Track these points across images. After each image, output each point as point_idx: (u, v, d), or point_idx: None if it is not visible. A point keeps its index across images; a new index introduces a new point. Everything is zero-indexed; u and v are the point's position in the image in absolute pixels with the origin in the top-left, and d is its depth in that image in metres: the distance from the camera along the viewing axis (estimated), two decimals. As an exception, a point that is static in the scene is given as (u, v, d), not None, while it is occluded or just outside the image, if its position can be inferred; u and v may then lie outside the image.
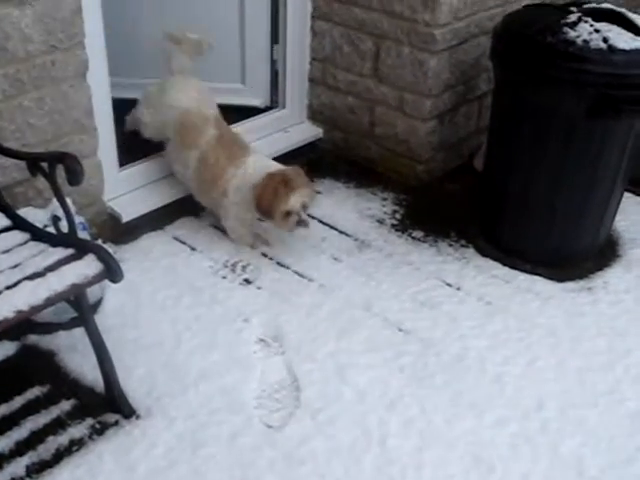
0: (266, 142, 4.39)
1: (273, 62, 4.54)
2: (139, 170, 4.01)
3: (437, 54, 4.02)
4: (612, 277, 3.91)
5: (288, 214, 3.64)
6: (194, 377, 3.22)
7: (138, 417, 3.03)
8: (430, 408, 3.15)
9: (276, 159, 4.24)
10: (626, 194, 4.16)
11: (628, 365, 3.40)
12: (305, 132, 4.49)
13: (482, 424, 3.10)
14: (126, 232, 3.92)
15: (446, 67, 4.10)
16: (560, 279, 3.85)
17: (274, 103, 4.60)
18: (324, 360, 3.33)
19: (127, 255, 3.83)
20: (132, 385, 3.14)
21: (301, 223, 3.69)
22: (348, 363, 3.33)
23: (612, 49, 3.44)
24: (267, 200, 3.62)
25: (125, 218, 3.85)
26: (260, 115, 4.51)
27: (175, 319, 3.50)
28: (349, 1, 4.19)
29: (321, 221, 4.21)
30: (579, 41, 3.46)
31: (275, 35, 4.46)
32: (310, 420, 3.06)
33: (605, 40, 3.45)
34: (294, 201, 3.60)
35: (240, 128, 4.29)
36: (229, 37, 4.46)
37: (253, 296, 3.67)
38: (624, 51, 3.44)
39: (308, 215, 3.74)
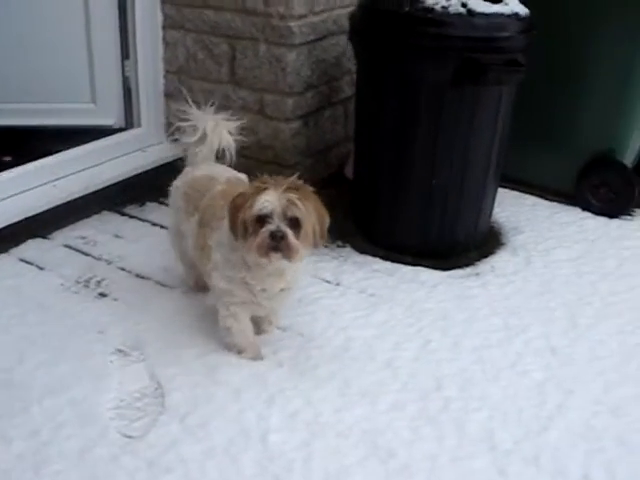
0: (121, 162, 3.86)
1: (125, 79, 4.03)
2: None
3: (295, 48, 3.61)
4: (499, 262, 3.52)
5: (260, 224, 2.45)
6: (38, 393, 2.60)
7: (-31, 445, 2.37)
8: (316, 399, 2.62)
9: (132, 179, 3.77)
10: (502, 190, 3.83)
11: (527, 339, 2.99)
12: (165, 151, 3.97)
13: (376, 410, 2.59)
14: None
15: (306, 64, 3.70)
16: (445, 268, 3.41)
17: (129, 123, 4.07)
18: (191, 363, 2.77)
19: (-38, 280, 3.18)
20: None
21: (277, 239, 2.43)
22: (219, 363, 2.77)
23: (472, 13, 3.12)
24: (233, 210, 2.51)
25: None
26: (114, 135, 3.97)
27: (18, 338, 2.87)
28: (200, 4, 3.77)
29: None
30: (438, 7, 3.13)
31: (125, 50, 3.97)
32: (178, 424, 2.49)
33: (464, 5, 3.13)
34: (265, 199, 2.42)
35: (91, 147, 3.75)
36: (75, 54, 3.94)
37: (109, 308, 3.08)
38: (484, 14, 3.14)
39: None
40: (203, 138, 2.98)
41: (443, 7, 3.12)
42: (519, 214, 3.93)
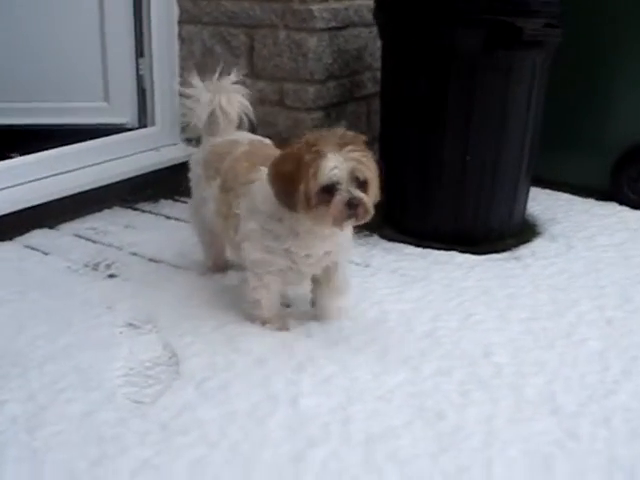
0: (133, 160, 3.57)
1: (139, 77, 3.77)
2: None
3: (317, 33, 3.36)
4: (539, 247, 3.19)
5: (328, 193, 2.11)
6: (37, 361, 2.25)
7: (-46, 407, 2.01)
8: (352, 366, 2.26)
9: (144, 177, 3.47)
10: (534, 189, 3.52)
11: (579, 312, 2.63)
12: (179, 151, 3.68)
13: (420, 375, 2.23)
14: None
15: (327, 51, 3.44)
16: (481, 253, 3.05)
17: (143, 122, 3.79)
18: (209, 333, 2.42)
19: (-38, 263, 2.85)
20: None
21: (353, 207, 2.11)
22: (240, 332, 2.42)
23: (505, -24, 2.85)
24: (286, 179, 2.12)
25: (-38, 223, 2.88)
26: (127, 133, 3.68)
27: (18, 311, 2.54)
28: (218, -6, 3.55)
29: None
30: (469, -30, 2.87)
31: (140, 48, 3.72)
32: (194, 389, 2.14)
33: (497, -32, 2.87)
34: (332, 166, 2.06)
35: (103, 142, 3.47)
36: (89, 52, 3.70)
37: (119, 287, 2.75)
38: (519, -24, 2.87)
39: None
40: (211, 107, 2.64)
41: (475, -30, 2.87)
42: (555, 207, 3.61)
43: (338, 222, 2.13)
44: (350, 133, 2.19)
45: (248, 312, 2.45)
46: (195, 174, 2.69)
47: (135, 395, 2.10)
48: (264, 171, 2.24)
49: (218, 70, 2.66)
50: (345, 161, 2.07)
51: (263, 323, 2.43)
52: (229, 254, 2.74)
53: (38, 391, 2.08)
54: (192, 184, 2.74)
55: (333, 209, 2.09)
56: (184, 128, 2.87)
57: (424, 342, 2.39)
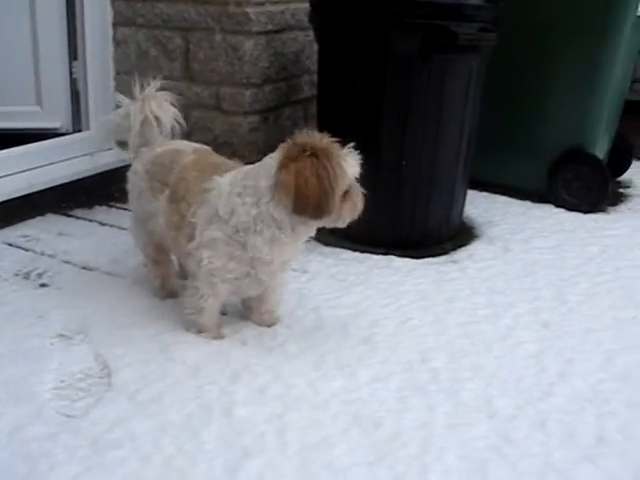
0: (66, 165, 3.47)
1: (73, 81, 3.67)
2: None
3: (253, 37, 3.33)
4: (476, 249, 3.20)
5: (346, 193, 2.16)
6: (-37, 374, 2.13)
7: None
8: (287, 373, 2.22)
9: (78, 182, 3.38)
10: (472, 192, 3.54)
11: (516, 315, 2.65)
12: (114, 157, 3.59)
13: (356, 382, 2.20)
14: None
15: (264, 55, 3.40)
16: (419, 257, 3.05)
17: (77, 126, 3.70)
18: (142, 343, 2.35)
19: None
20: None
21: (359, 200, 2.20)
22: (175, 341, 2.36)
23: (441, -20, 2.86)
24: (313, 185, 2.06)
25: None
26: (60, 138, 3.59)
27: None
28: (152, -3, 3.48)
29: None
30: (404, -26, 2.86)
31: (74, 50, 3.63)
32: (126, 401, 2.07)
33: (432, -28, 2.87)
34: (354, 164, 2.16)
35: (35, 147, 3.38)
36: (20, 55, 3.59)
37: (51, 296, 2.66)
38: (454, -19, 2.87)
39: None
40: (141, 116, 2.55)
41: (410, -26, 2.86)
42: (492, 210, 3.63)
43: (354, 217, 2.20)
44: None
45: (188, 319, 2.39)
46: (136, 187, 2.54)
47: (66, 409, 2.03)
48: (219, 181, 2.22)
49: (138, 83, 2.59)
50: (353, 160, 2.15)
51: (199, 331, 2.38)
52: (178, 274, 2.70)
53: (-37, 407, 2.00)
54: (131, 197, 2.58)
55: (353, 202, 2.16)
56: (118, 144, 2.74)
57: (361, 348, 2.37)
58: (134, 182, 2.55)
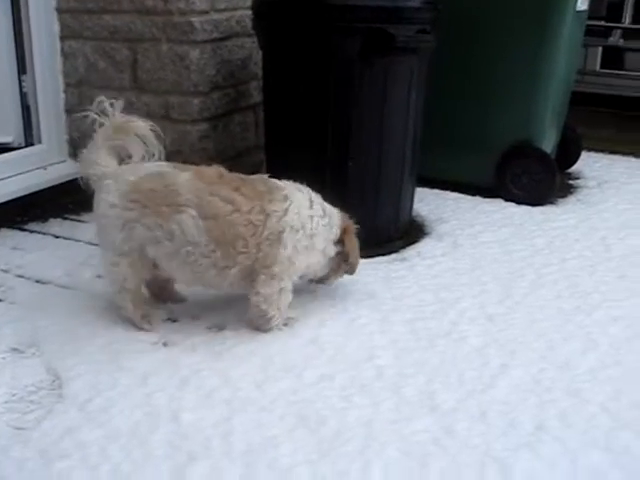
0: (19, 179, 3.49)
1: (23, 95, 3.69)
2: None
3: (198, 45, 3.37)
4: (425, 247, 3.27)
5: None
6: None
7: None
8: (235, 377, 2.28)
9: (32, 196, 3.41)
10: (422, 189, 3.62)
11: (461, 310, 2.72)
12: (67, 169, 3.62)
13: (303, 383, 2.27)
14: None
15: (210, 63, 3.44)
16: (368, 256, 3.10)
17: (29, 140, 3.72)
18: (93, 353, 2.40)
19: None
20: None
21: None
22: (125, 350, 2.41)
23: (377, -17, 2.92)
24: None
25: None
26: (13, 152, 3.61)
27: None
28: (98, 9, 3.51)
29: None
30: (341, -20, 2.92)
31: (22, 64, 3.65)
32: (76, 412, 2.11)
33: (369, -24, 2.93)
34: None
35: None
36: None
37: (4, 311, 2.68)
38: (391, -16, 2.94)
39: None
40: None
41: (347, -21, 2.93)
42: (442, 207, 3.70)
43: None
44: None
45: (275, 318, 2.51)
46: (118, 219, 2.42)
47: (16, 421, 2.07)
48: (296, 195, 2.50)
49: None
50: None
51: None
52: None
53: None
54: (110, 232, 2.45)
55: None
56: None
57: (308, 348, 2.43)
58: (114, 215, 2.43)
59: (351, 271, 2.71)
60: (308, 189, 2.57)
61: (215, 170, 2.49)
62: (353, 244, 2.66)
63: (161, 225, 2.38)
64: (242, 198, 2.39)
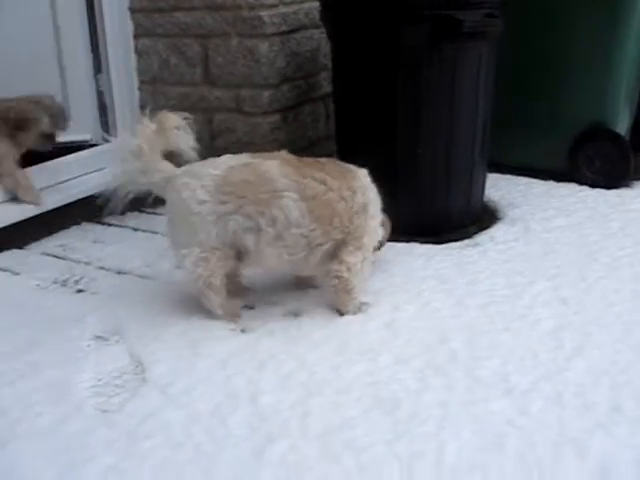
0: (99, 175, 3.62)
1: (100, 93, 3.83)
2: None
3: (267, 39, 3.44)
4: (497, 232, 3.27)
5: None
6: (10, 377, 2.29)
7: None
8: (311, 360, 2.33)
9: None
10: (493, 175, 3.62)
11: (535, 293, 2.71)
12: (144, 163, 3.74)
13: (378, 365, 2.30)
14: None
15: (280, 55, 3.52)
16: (441, 242, 3.13)
17: (106, 137, 3.84)
18: (174, 339, 2.48)
19: None
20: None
21: None
22: (203, 337, 2.48)
23: (446, -31, 2.93)
24: None
25: None
26: (92, 149, 3.74)
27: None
28: (170, 7, 3.62)
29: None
30: (410, -34, 2.95)
31: (98, 63, 3.78)
32: (159, 394, 2.20)
33: (437, -38, 2.95)
34: None
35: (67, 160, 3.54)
36: (47, 71, 3.76)
37: (87, 301, 2.81)
38: (459, -30, 2.95)
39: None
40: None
41: (416, -34, 2.95)
42: (514, 192, 3.69)
43: None
44: None
45: (355, 301, 2.61)
46: (211, 214, 2.46)
47: (102, 405, 2.16)
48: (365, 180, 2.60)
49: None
50: None
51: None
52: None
53: (9, 408, 2.14)
54: (200, 228, 2.48)
55: None
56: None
57: (383, 332, 2.47)
58: (207, 210, 2.46)
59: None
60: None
61: (291, 156, 2.58)
62: None
63: (262, 213, 2.45)
64: (329, 178, 2.49)
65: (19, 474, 1.88)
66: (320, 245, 2.51)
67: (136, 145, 2.52)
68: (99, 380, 2.30)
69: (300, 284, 2.79)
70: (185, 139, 2.59)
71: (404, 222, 3.15)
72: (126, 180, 2.58)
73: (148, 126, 2.54)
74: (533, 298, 2.65)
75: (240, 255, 2.55)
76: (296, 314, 2.62)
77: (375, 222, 2.62)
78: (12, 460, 1.93)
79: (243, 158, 2.56)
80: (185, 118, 2.58)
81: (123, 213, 3.60)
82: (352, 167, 2.62)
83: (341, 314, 2.59)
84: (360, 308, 2.60)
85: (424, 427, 1.99)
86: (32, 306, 2.75)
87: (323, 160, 2.62)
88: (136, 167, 2.55)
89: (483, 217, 3.39)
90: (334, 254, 2.55)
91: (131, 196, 2.61)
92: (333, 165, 2.60)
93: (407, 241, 3.14)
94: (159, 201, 2.73)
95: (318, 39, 3.70)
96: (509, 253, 3.02)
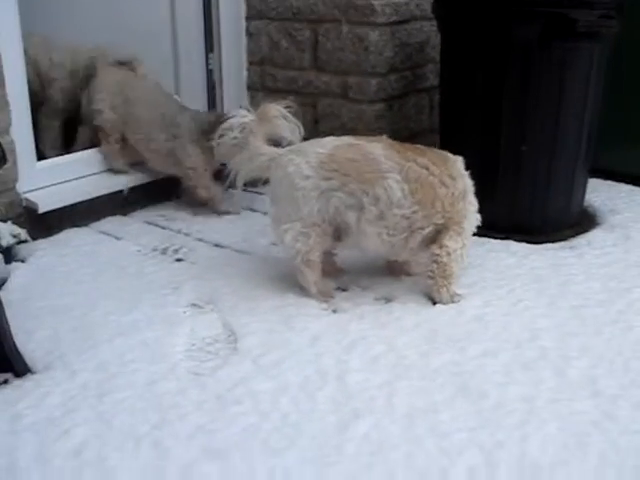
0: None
1: (209, 72, 3.95)
2: (59, 163, 3.31)
3: (378, 27, 3.48)
4: (596, 237, 3.22)
5: None
6: (109, 334, 2.45)
7: (34, 373, 2.24)
8: (400, 345, 2.38)
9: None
10: (594, 180, 3.57)
11: (630, 300, 2.67)
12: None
13: (466, 356, 2.33)
14: (45, 226, 3.17)
15: (389, 45, 3.55)
16: (537, 242, 3.12)
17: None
18: (267, 313, 2.58)
19: (44, 245, 3.09)
20: (31, 346, 2.37)
21: None
22: (296, 314, 2.57)
23: (560, -32, 2.92)
24: None
25: (43, 209, 3.11)
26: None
27: (92, 289, 2.76)
28: (283, -10, 3.71)
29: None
30: (524, -36, 2.94)
31: (210, 43, 3.90)
32: (250, 364, 2.29)
33: (552, -41, 2.94)
34: None
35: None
36: (161, 48, 3.90)
37: (185, 269, 2.93)
38: (574, -32, 2.93)
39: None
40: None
41: (529, -36, 2.95)
42: (615, 199, 3.63)
43: None
44: None
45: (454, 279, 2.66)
46: (314, 190, 2.55)
47: (195, 368, 2.27)
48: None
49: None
50: None
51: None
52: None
53: (107, 362, 2.27)
54: (304, 202, 2.56)
55: None
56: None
57: (473, 325, 2.49)
58: (311, 185, 2.54)
59: None
60: None
61: (392, 140, 2.66)
62: None
63: (366, 191, 2.52)
64: (431, 163, 2.56)
65: (116, 425, 1.99)
66: (421, 229, 2.56)
67: (240, 138, 2.64)
68: (193, 345, 2.41)
69: (393, 271, 2.83)
70: (288, 127, 2.67)
71: (501, 219, 3.18)
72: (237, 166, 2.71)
73: (251, 119, 2.64)
74: (628, 305, 2.62)
75: (339, 234, 2.62)
76: (387, 299, 2.67)
77: (474, 208, 2.67)
78: (109, 411, 2.04)
79: (347, 139, 2.63)
80: (287, 107, 2.66)
81: (225, 190, 3.71)
82: (449, 155, 2.67)
83: (434, 303, 2.63)
84: (453, 298, 2.62)
85: (508, 419, 2.01)
86: (133, 270, 2.89)
87: (422, 147, 2.67)
88: (242, 157, 2.67)
89: (582, 221, 3.35)
90: (433, 239, 2.59)
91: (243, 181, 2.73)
92: (433, 152, 2.66)
93: (503, 238, 3.14)
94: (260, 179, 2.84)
95: (428, 31, 3.72)
96: (606, 258, 2.99)
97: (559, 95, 3.04)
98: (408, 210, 2.53)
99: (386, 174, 2.52)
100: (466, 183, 2.64)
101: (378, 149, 2.57)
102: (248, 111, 2.69)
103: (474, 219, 2.67)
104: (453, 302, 2.63)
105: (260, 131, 2.66)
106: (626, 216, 3.42)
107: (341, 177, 2.53)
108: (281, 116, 2.67)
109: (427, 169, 2.55)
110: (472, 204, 2.66)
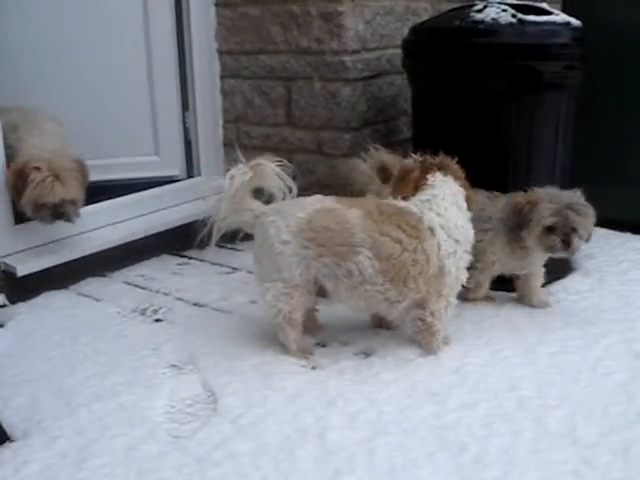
0: (181, 209, 3.79)
1: (186, 130, 4.00)
2: (37, 226, 3.32)
3: (350, 83, 3.54)
4: (571, 282, 3.29)
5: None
6: (87, 399, 2.44)
7: (12, 441, 2.23)
8: (380, 400, 2.39)
9: (191, 224, 3.62)
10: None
11: (607, 345, 2.71)
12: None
13: (445, 409, 2.34)
14: (24, 289, 3.17)
15: (361, 99, 3.61)
16: (513, 290, 3.15)
17: (190, 173, 4.01)
18: (246, 372, 2.57)
19: (23, 309, 3.10)
20: (9, 413, 2.37)
21: None
22: (275, 372, 2.57)
23: (522, 22, 3.03)
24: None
25: (21, 272, 3.11)
26: (175, 184, 3.91)
27: (71, 353, 2.76)
28: (256, 50, 3.77)
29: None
30: (488, 19, 3.06)
31: (185, 101, 3.96)
32: (229, 425, 2.28)
33: (514, 16, 3.04)
34: None
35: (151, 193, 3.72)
36: (140, 107, 3.94)
37: (165, 330, 2.93)
38: (535, 23, 3.05)
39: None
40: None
41: (493, 19, 3.04)
42: (590, 243, 3.65)
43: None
44: None
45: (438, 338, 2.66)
46: (294, 256, 2.54)
47: (175, 431, 2.26)
48: None
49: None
50: None
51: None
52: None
53: (86, 427, 2.26)
54: (283, 266, 2.55)
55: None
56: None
57: (452, 377, 2.50)
58: (290, 251, 2.53)
59: None
60: (444, 184, 2.67)
61: (373, 202, 2.63)
62: None
63: (339, 264, 2.51)
64: (405, 236, 2.50)
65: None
66: (398, 302, 2.56)
67: (232, 191, 2.61)
68: (172, 407, 2.40)
69: (377, 323, 2.84)
70: (279, 184, 2.67)
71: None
72: (219, 217, 2.68)
73: (244, 172, 2.61)
74: (605, 350, 2.65)
75: (324, 291, 2.64)
76: (367, 354, 2.68)
77: (457, 271, 2.59)
78: (88, 478, 2.04)
79: (328, 202, 2.61)
80: (279, 163, 2.67)
81: (202, 247, 3.73)
82: (421, 219, 2.54)
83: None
84: (442, 345, 2.66)
85: (489, 472, 2.02)
86: (112, 332, 2.89)
87: (399, 206, 2.59)
88: (228, 208, 2.65)
89: (557, 267, 3.38)
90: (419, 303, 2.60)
91: (222, 232, 2.71)
92: (407, 218, 2.54)
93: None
94: (237, 237, 2.85)
95: (399, 85, 3.79)
96: (583, 304, 3.03)
97: (529, 144, 3.10)
98: (381, 287, 2.52)
99: (357, 248, 2.49)
100: (443, 255, 2.53)
101: (355, 217, 2.51)
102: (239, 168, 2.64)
103: (458, 281, 2.62)
104: (444, 345, 2.66)
105: (250, 185, 2.65)
106: (601, 260, 3.47)
107: (317, 247, 2.52)
108: (276, 175, 2.66)
109: (401, 244, 2.49)
110: (451, 273, 2.57)
